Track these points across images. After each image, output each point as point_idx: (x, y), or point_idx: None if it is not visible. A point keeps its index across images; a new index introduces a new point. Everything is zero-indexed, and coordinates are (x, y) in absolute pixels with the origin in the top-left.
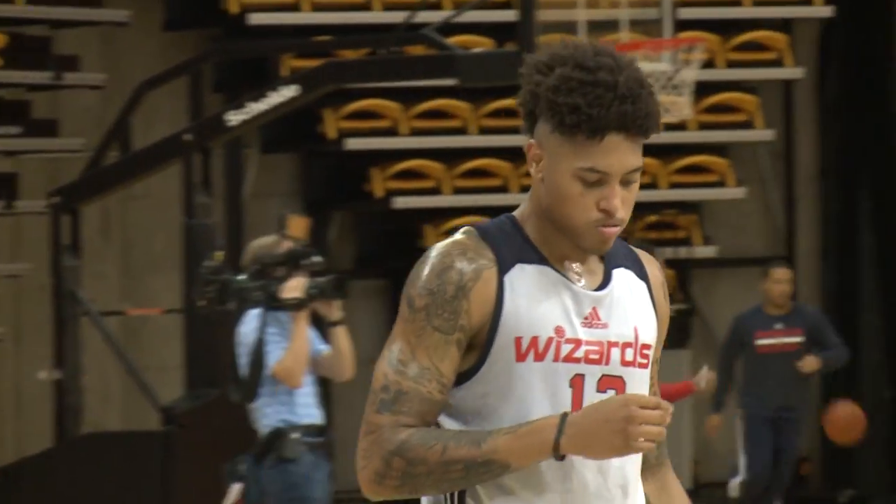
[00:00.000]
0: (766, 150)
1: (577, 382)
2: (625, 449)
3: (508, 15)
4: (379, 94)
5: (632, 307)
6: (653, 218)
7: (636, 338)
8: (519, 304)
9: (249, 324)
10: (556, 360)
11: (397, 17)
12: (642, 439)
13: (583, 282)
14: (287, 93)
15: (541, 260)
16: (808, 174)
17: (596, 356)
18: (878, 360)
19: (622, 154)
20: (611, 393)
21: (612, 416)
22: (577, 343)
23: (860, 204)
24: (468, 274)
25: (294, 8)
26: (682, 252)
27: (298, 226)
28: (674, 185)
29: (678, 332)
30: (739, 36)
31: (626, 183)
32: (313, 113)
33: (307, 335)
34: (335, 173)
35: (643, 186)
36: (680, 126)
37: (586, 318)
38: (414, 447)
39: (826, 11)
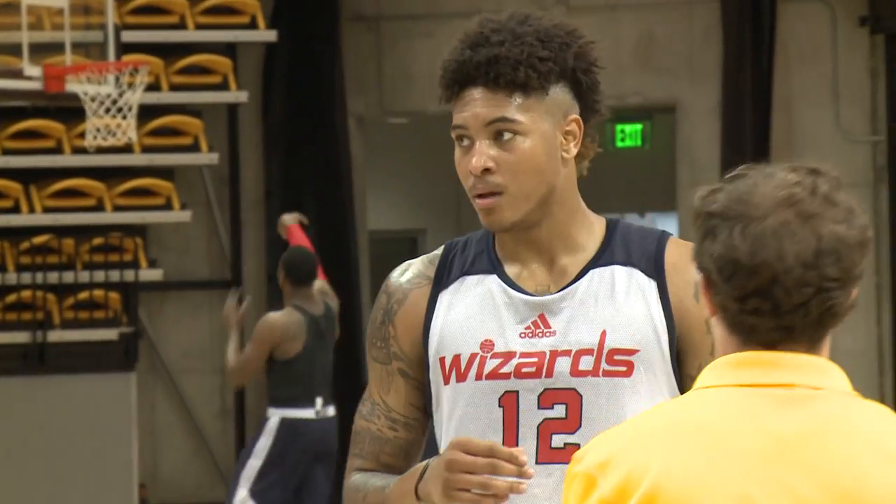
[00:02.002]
0: (211, 173)
1: (508, 401)
2: (444, 498)
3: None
4: None
5: (605, 309)
6: (98, 241)
7: (601, 343)
8: (446, 322)
9: None
10: (478, 378)
11: None
12: (461, 489)
13: (541, 286)
14: None
15: (490, 269)
16: (253, 198)
17: (531, 369)
18: None
19: (479, 105)
20: (559, 409)
21: (440, 460)
22: (508, 357)
23: (305, 228)
24: (395, 296)
25: None
26: (129, 275)
27: None
28: (119, 208)
29: (125, 356)
30: (183, 59)
31: (498, 139)
32: None
33: None
34: None
35: (89, 209)
36: (125, 149)
37: (528, 328)
38: (349, 493)
39: (270, 36)
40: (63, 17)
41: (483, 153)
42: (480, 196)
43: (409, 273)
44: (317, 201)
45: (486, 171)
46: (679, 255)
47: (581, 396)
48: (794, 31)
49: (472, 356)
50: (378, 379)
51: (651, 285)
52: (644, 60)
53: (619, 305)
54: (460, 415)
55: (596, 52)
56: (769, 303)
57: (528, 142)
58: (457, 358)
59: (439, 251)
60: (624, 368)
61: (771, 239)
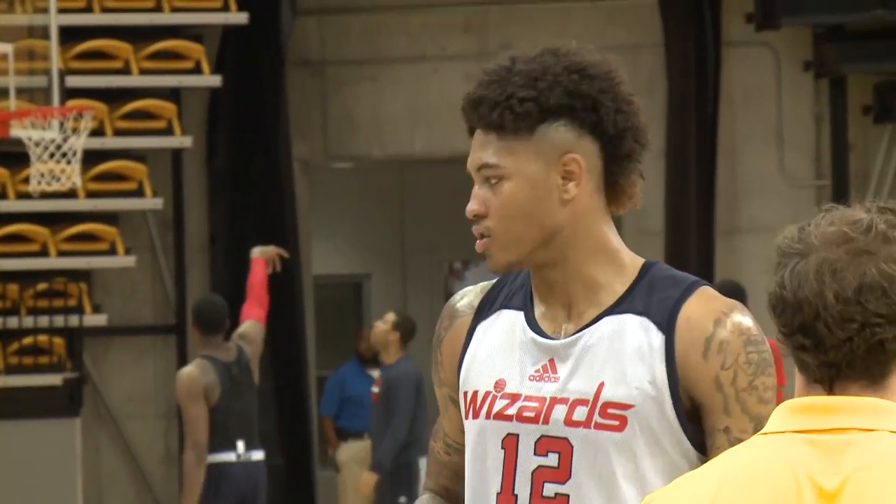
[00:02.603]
0: (155, 218)
1: (510, 443)
2: None
3: None
4: None
5: (609, 360)
6: (42, 286)
7: (597, 395)
8: (475, 356)
9: None
10: (487, 417)
11: None
12: None
13: (558, 329)
14: None
15: (522, 306)
16: (197, 243)
17: (531, 414)
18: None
19: (476, 149)
20: (552, 457)
21: None
22: (514, 399)
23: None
24: (444, 323)
25: None
26: (73, 320)
27: None
28: (63, 253)
29: (70, 401)
30: (128, 104)
31: (487, 183)
32: None
33: None
34: None
35: (33, 254)
36: (70, 194)
37: (537, 371)
38: None
39: (215, 81)
40: (7, 62)
41: (476, 197)
42: (479, 238)
43: (461, 301)
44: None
45: (478, 215)
46: (697, 309)
47: (572, 447)
48: (739, 76)
49: (486, 394)
50: (440, 402)
51: (659, 338)
52: None
53: (622, 358)
54: (471, 452)
55: (616, 88)
56: (812, 339)
57: (512, 186)
58: (475, 394)
59: (494, 281)
60: (616, 423)
61: (813, 276)
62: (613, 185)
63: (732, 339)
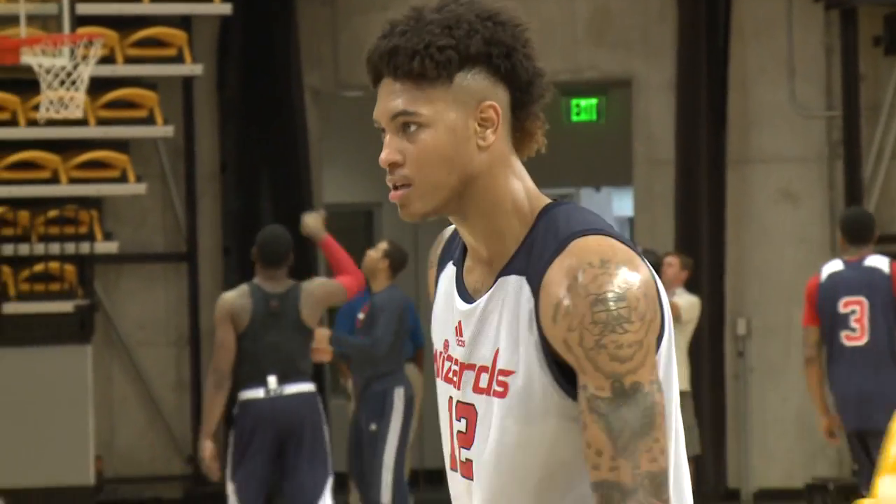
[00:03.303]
0: (166, 146)
1: (449, 405)
2: None
3: None
4: None
5: (501, 325)
6: (53, 213)
7: (494, 362)
8: (435, 313)
9: None
10: (438, 376)
11: None
12: None
13: (475, 287)
14: None
15: (458, 258)
16: (208, 171)
17: (454, 377)
18: None
19: (386, 99)
20: (463, 423)
21: None
22: (451, 360)
23: (261, 201)
24: (428, 268)
25: None
26: (84, 248)
27: None
28: (74, 181)
29: (81, 328)
30: (138, 32)
31: (404, 131)
32: None
33: None
34: None
35: (44, 181)
36: (80, 121)
37: (455, 335)
38: None
39: (225, 9)
40: None
41: (390, 146)
42: (393, 188)
43: (432, 252)
44: (272, 175)
45: (394, 164)
46: (556, 272)
47: (478, 414)
48: (749, 8)
49: (438, 354)
50: None
51: (529, 303)
52: (599, 35)
53: (506, 323)
54: (440, 410)
55: (524, 35)
56: None
57: (432, 133)
58: (435, 354)
59: (450, 229)
60: (501, 389)
61: None
62: (521, 131)
63: (578, 301)
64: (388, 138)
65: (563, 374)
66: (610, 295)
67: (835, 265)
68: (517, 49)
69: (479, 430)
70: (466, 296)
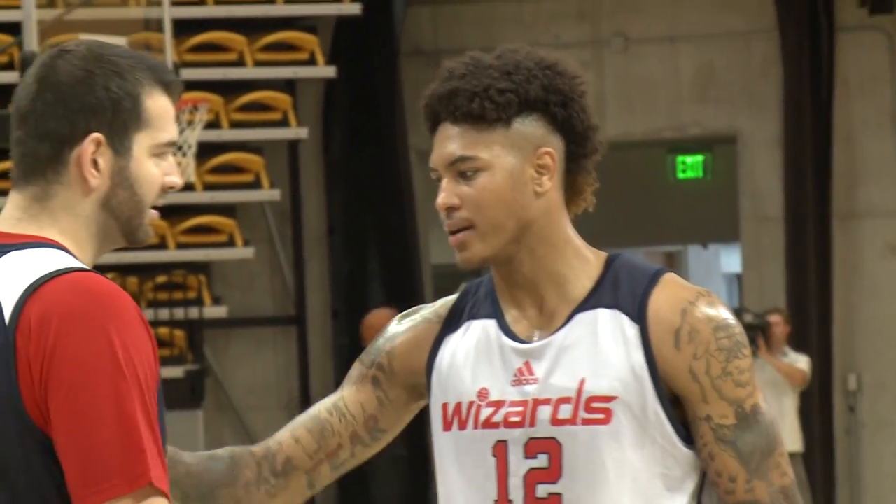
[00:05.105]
0: (273, 209)
1: (500, 450)
2: None
3: (11, 77)
4: None
5: (586, 355)
6: (162, 279)
7: (579, 391)
8: (451, 367)
9: None
10: (475, 426)
11: None
12: None
13: (532, 331)
14: None
15: (492, 313)
16: (315, 234)
17: (517, 418)
18: None
19: (444, 142)
20: (542, 458)
21: None
22: (498, 406)
23: (368, 263)
24: (406, 320)
25: None
26: (193, 312)
27: None
28: (182, 246)
29: (192, 393)
30: (243, 96)
31: (462, 176)
32: None
33: None
34: None
35: (153, 247)
36: (186, 187)
37: (515, 376)
38: None
39: (329, 72)
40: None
41: (448, 190)
42: (452, 233)
43: (427, 308)
44: (379, 236)
45: (451, 208)
46: (664, 300)
47: (561, 445)
48: (853, 61)
49: (471, 404)
50: (352, 377)
51: (633, 329)
52: (703, 91)
53: (599, 352)
54: (462, 463)
55: (581, 87)
56: None
57: (489, 176)
58: (458, 406)
59: (457, 294)
60: (602, 416)
61: None
62: (572, 184)
63: (701, 327)
64: (444, 183)
65: (671, 402)
66: (728, 322)
67: None
68: (574, 99)
69: (569, 460)
70: (521, 341)
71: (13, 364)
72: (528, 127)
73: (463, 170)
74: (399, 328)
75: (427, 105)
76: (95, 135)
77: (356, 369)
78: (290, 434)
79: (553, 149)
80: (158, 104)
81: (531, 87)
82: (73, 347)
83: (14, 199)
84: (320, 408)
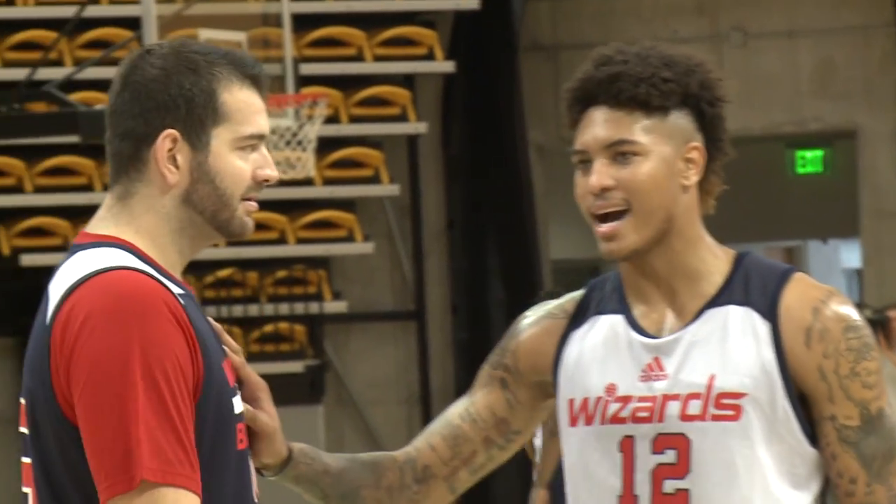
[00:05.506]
0: (392, 204)
1: (626, 446)
2: None
3: None
4: (2, 152)
5: (717, 352)
6: (282, 273)
7: (709, 387)
8: (578, 363)
9: None
10: (602, 422)
11: (18, 74)
12: None
13: (661, 326)
14: None
15: (619, 308)
16: (435, 229)
17: (646, 413)
18: None
19: (600, 124)
20: (670, 454)
21: None
22: (626, 401)
23: (488, 258)
24: (531, 318)
25: None
26: (313, 307)
27: None
28: (302, 241)
29: (312, 388)
30: (362, 91)
31: (617, 159)
32: None
33: None
34: None
35: (272, 242)
36: (306, 182)
37: (644, 371)
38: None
39: (448, 66)
40: (241, 50)
41: (601, 171)
42: (600, 220)
43: (551, 305)
44: (499, 231)
45: (606, 188)
46: (796, 298)
47: (690, 441)
48: None
49: (598, 399)
50: (481, 379)
51: (765, 327)
52: (822, 86)
53: (729, 348)
54: (587, 458)
55: (722, 89)
56: None
57: (647, 162)
58: (585, 401)
59: (583, 289)
60: (731, 412)
61: None
62: (705, 184)
63: (832, 326)
64: (597, 164)
65: (798, 400)
66: (858, 323)
67: None
68: (720, 101)
69: (697, 456)
70: (650, 336)
71: (48, 360)
72: (682, 120)
73: (621, 152)
74: (524, 326)
75: (580, 88)
76: (169, 131)
77: (484, 372)
78: (427, 441)
79: (700, 144)
80: (238, 98)
81: (691, 81)
82: (91, 345)
83: (106, 199)
84: (453, 413)
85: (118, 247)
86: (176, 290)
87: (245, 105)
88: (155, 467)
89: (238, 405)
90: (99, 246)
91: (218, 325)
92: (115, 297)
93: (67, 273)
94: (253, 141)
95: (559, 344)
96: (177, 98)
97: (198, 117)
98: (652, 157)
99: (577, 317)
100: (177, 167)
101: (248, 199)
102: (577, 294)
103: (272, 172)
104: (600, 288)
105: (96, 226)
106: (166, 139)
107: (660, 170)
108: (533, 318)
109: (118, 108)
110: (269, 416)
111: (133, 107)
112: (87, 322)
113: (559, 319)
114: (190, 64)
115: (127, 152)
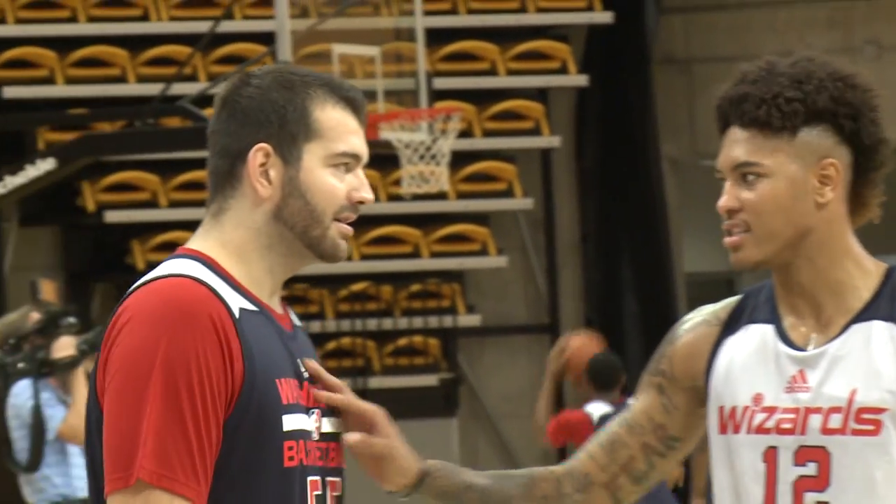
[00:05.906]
0: (526, 218)
1: (770, 456)
2: None
3: None
4: (137, 167)
5: (860, 367)
6: (416, 287)
7: (850, 401)
8: (729, 370)
9: (20, 396)
10: (748, 431)
11: (153, 89)
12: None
13: (808, 339)
14: (44, 166)
15: (770, 318)
16: (568, 242)
17: (789, 425)
18: None
19: (732, 146)
20: (811, 466)
21: None
22: (771, 412)
23: (622, 271)
24: (686, 325)
25: (49, 81)
26: (447, 321)
27: (49, 289)
28: (435, 255)
29: (446, 401)
30: (495, 105)
31: (744, 179)
32: (72, 185)
33: (86, 392)
34: (95, 245)
35: (406, 256)
36: (440, 196)
37: (789, 383)
38: None
39: (581, 80)
40: (375, 64)
41: (730, 193)
42: (729, 234)
43: (706, 311)
44: (633, 244)
45: (732, 210)
46: None
47: (830, 455)
48: None
49: (745, 409)
50: (643, 387)
51: None
52: None
53: (871, 363)
54: (732, 465)
55: (874, 100)
56: None
57: (771, 183)
58: (734, 409)
59: (739, 297)
60: (871, 427)
61: None
62: (858, 196)
63: None
64: (728, 185)
65: None
66: None
67: None
68: (864, 113)
69: (838, 470)
70: (797, 348)
71: (100, 353)
72: (814, 137)
73: (746, 173)
74: (681, 332)
75: (718, 107)
76: (262, 145)
77: (644, 379)
78: (586, 452)
79: (838, 160)
80: (331, 116)
81: (819, 98)
82: (126, 342)
83: (205, 217)
84: (613, 423)
85: (193, 258)
86: (242, 304)
87: (338, 123)
88: (153, 469)
89: (300, 422)
90: (177, 258)
91: (314, 364)
92: (159, 301)
93: (140, 280)
94: (346, 159)
95: (712, 350)
96: (270, 114)
97: (290, 132)
98: (776, 179)
99: (731, 324)
100: (269, 181)
101: (342, 221)
102: (733, 300)
103: (368, 195)
104: (755, 296)
105: (189, 242)
106: (258, 153)
107: (784, 190)
108: (689, 324)
109: (216, 128)
110: (385, 437)
111: (229, 125)
112: (130, 322)
113: (713, 326)
114: (285, 83)
115: (223, 169)
